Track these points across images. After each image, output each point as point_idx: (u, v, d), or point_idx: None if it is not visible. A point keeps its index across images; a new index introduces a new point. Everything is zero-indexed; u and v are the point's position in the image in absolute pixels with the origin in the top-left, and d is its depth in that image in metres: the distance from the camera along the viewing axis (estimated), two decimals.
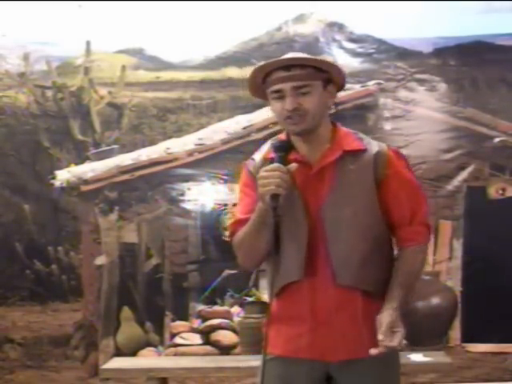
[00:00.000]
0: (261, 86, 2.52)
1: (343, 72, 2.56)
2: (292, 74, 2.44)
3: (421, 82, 5.81)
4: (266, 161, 2.50)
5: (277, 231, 2.40)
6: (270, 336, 2.50)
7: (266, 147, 2.59)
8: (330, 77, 2.51)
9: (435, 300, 5.57)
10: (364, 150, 2.51)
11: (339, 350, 2.46)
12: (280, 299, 2.51)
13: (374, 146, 2.53)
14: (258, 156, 2.59)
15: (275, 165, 2.39)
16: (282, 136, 2.56)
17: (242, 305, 5.54)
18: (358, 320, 2.46)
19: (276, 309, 2.52)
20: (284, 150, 2.45)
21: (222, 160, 5.69)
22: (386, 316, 2.40)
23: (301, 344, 2.48)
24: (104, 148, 5.87)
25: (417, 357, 4.45)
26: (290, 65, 2.45)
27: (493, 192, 5.70)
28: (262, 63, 2.50)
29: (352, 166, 2.49)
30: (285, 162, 2.41)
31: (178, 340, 5.57)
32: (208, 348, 5.45)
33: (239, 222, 2.55)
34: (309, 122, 2.45)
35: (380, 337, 2.35)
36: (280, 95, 2.45)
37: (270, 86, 2.47)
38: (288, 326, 2.49)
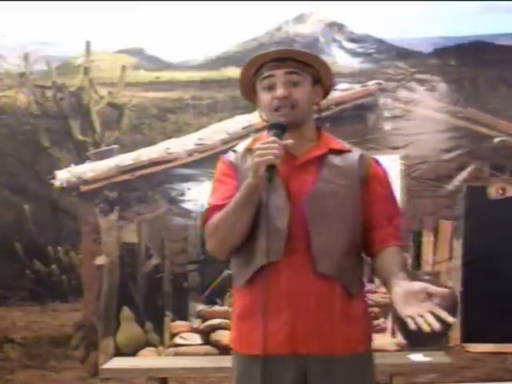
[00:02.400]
0: (250, 83, 2.53)
1: (332, 74, 2.58)
2: (284, 63, 2.47)
3: (421, 81, 5.81)
4: (250, 151, 2.49)
5: (257, 216, 2.40)
6: (244, 333, 2.49)
7: (247, 141, 2.61)
8: (319, 76, 2.54)
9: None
10: (348, 151, 2.56)
11: (317, 344, 2.44)
12: (253, 288, 2.44)
13: (357, 150, 2.59)
14: (240, 148, 2.60)
15: (273, 137, 2.39)
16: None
17: None
18: (336, 314, 2.45)
19: (248, 301, 2.47)
20: (279, 128, 2.44)
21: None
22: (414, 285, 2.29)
23: (278, 340, 2.43)
24: (104, 148, 5.87)
25: (417, 357, 4.46)
26: (283, 57, 2.47)
27: (493, 192, 5.70)
28: (258, 54, 2.51)
29: (337, 163, 2.52)
30: (280, 138, 2.42)
31: (178, 340, 5.57)
32: (208, 348, 5.45)
33: (215, 208, 2.50)
34: (298, 114, 2.47)
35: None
36: (270, 83, 2.46)
37: (261, 75, 2.48)
38: (264, 320, 2.40)
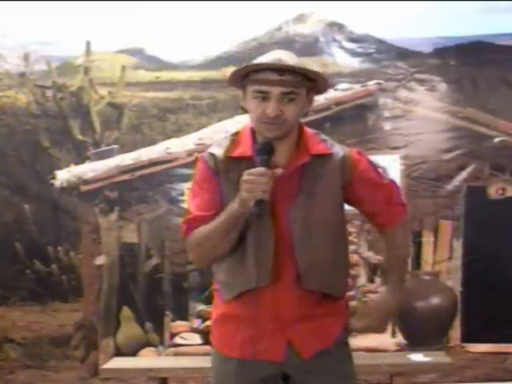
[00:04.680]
0: (240, 76, 2.47)
1: (327, 82, 2.54)
2: (283, 79, 2.39)
3: (421, 81, 5.81)
4: (230, 160, 2.47)
5: (242, 234, 2.39)
6: (223, 334, 2.52)
7: (225, 142, 2.54)
8: (315, 86, 2.49)
9: (435, 300, 5.57)
10: (330, 154, 2.51)
11: (300, 350, 2.46)
12: (238, 301, 2.47)
13: (339, 150, 2.53)
14: (217, 151, 2.53)
15: (261, 169, 2.34)
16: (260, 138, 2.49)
17: None
18: (318, 321, 2.48)
19: (233, 309, 2.49)
20: (267, 153, 2.40)
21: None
22: (383, 302, 2.54)
23: (260, 347, 2.45)
24: (104, 148, 5.86)
25: (417, 357, 4.45)
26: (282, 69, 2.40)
27: (493, 192, 5.70)
28: (256, 63, 2.44)
29: (320, 170, 2.48)
30: (268, 164, 2.37)
31: (178, 340, 5.57)
32: (208, 348, 5.43)
33: (196, 220, 2.47)
34: (285, 130, 2.43)
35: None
36: (264, 97, 2.39)
37: (256, 85, 2.41)
38: (247, 328, 2.46)
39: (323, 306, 2.48)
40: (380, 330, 2.64)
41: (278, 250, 2.42)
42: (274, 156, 2.42)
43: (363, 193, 2.54)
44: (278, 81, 2.38)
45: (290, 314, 2.44)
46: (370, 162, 2.59)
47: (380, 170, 2.61)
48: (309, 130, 2.57)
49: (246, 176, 2.33)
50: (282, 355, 2.45)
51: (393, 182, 2.64)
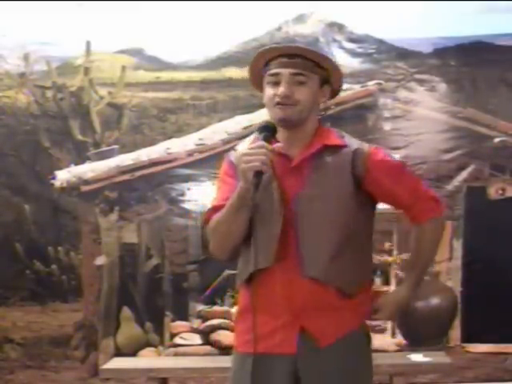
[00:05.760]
0: (260, 74, 2.53)
1: (341, 75, 2.58)
2: (293, 61, 2.46)
3: (421, 82, 5.81)
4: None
5: (252, 220, 2.42)
6: (239, 330, 2.53)
7: (249, 139, 2.58)
8: (328, 77, 2.53)
9: (435, 300, 5.57)
10: (344, 146, 2.51)
11: (317, 336, 2.45)
12: (250, 289, 2.48)
13: (354, 144, 2.54)
14: (240, 147, 2.58)
15: (260, 142, 2.39)
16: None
17: None
18: (329, 316, 2.45)
19: (246, 301, 2.50)
20: (269, 130, 2.45)
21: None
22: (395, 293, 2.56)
23: (273, 341, 2.45)
24: (104, 148, 5.87)
25: (417, 357, 4.44)
26: (293, 54, 2.47)
27: (493, 192, 5.70)
28: (268, 47, 2.52)
29: (330, 160, 2.49)
30: (269, 141, 2.42)
31: (178, 340, 5.57)
32: (208, 348, 5.45)
33: (214, 209, 2.52)
34: (297, 112, 2.46)
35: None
36: (276, 80, 2.46)
37: (269, 70, 2.48)
38: (260, 322, 2.45)
39: (336, 298, 2.45)
40: (389, 318, 2.64)
41: (284, 237, 2.44)
42: (274, 142, 2.45)
43: (383, 183, 2.50)
44: (288, 62, 2.46)
45: (300, 301, 2.43)
46: (388, 155, 2.58)
47: (401, 162, 2.60)
48: (328, 127, 2.59)
49: (245, 150, 2.40)
50: (295, 347, 2.45)
51: (415, 175, 2.62)
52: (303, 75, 2.46)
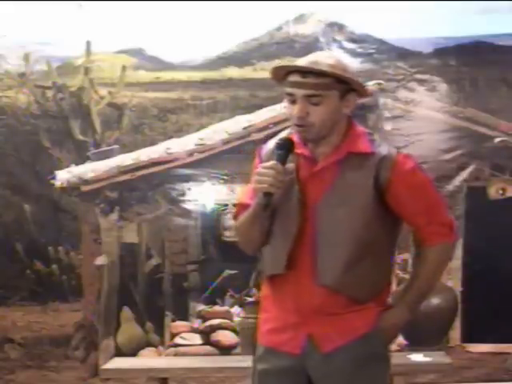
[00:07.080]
0: (284, 80, 2.49)
1: (361, 83, 2.53)
2: (305, 81, 2.40)
3: (421, 82, 5.81)
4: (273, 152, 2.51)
5: (271, 222, 2.45)
6: (260, 325, 2.58)
7: (285, 133, 2.55)
8: (350, 87, 2.47)
9: (435, 300, 5.57)
10: (371, 153, 2.46)
11: (319, 343, 2.46)
12: (269, 288, 2.54)
13: (382, 150, 2.48)
14: (271, 143, 2.57)
15: (272, 163, 2.39)
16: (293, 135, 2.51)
17: (241, 305, 5.55)
18: (340, 324, 2.45)
19: (265, 298, 2.57)
20: (284, 149, 2.43)
21: (223, 160, 5.69)
22: (391, 318, 2.49)
23: (283, 338, 2.48)
24: (104, 148, 5.87)
25: (417, 357, 4.45)
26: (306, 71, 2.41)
27: (493, 192, 5.70)
28: (279, 65, 2.49)
29: (354, 168, 2.45)
30: (283, 160, 2.41)
31: (178, 340, 5.57)
32: (208, 348, 5.45)
33: (242, 206, 2.56)
34: (315, 133, 2.43)
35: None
36: (292, 99, 2.42)
37: (286, 87, 2.45)
38: (274, 318, 2.51)
39: (347, 305, 2.45)
40: (390, 343, 2.57)
41: (301, 243, 2.44)
42: (300, 147, 2.45)
43: (403, 197, 2.45)
44: (300, 83, 2.41)
45: (310, 307, 2.44)
46: (418, 167, 2.50)
47: (428, 178, 2.52)
48: (359, 129, 2.54)
49: (259, 168, 2.41)
50: (300, 348, 2.46)
51: (441, 196, 2.56)
52: (317, 96, 2.40)
